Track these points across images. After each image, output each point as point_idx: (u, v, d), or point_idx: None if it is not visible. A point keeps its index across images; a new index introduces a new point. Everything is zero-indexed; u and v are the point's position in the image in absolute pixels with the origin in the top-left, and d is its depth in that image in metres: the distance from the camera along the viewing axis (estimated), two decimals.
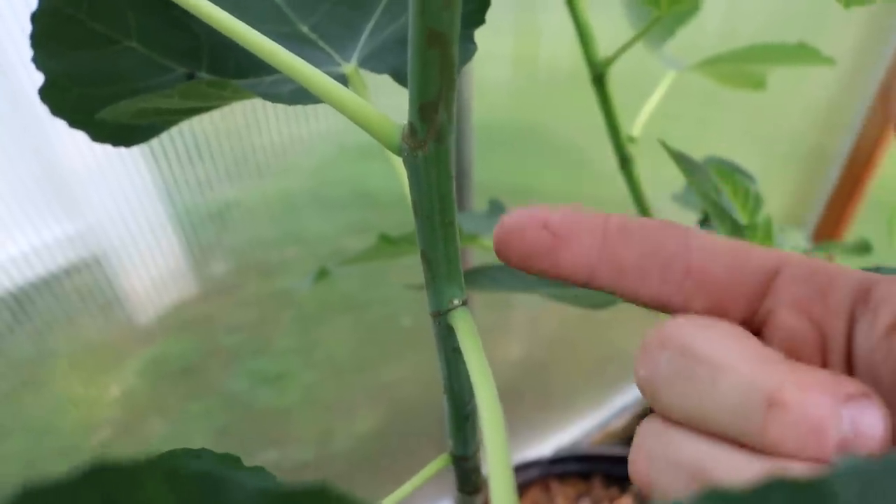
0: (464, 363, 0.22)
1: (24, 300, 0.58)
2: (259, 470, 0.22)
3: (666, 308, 0.18)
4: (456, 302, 0.21)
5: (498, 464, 0.17)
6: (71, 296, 0.61)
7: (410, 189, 0.18)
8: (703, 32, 0.84)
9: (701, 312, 0.18)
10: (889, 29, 1.04)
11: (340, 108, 0.19)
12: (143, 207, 0.60)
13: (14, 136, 0.51)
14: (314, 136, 0.65)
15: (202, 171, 0.60)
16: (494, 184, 0.81)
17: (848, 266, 0.17)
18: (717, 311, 0.18)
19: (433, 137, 0.17)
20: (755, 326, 0.18)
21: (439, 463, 0.27)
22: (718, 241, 0.18)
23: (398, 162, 0.25)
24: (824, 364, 0.17)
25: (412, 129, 0.17)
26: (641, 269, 0.18)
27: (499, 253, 0.19)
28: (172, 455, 0.19)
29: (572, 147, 0.86)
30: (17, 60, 0.48)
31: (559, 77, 0.77)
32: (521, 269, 0.19)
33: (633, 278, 0.18)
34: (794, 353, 0.17)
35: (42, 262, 0.57)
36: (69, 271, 0.59)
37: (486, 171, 0.76)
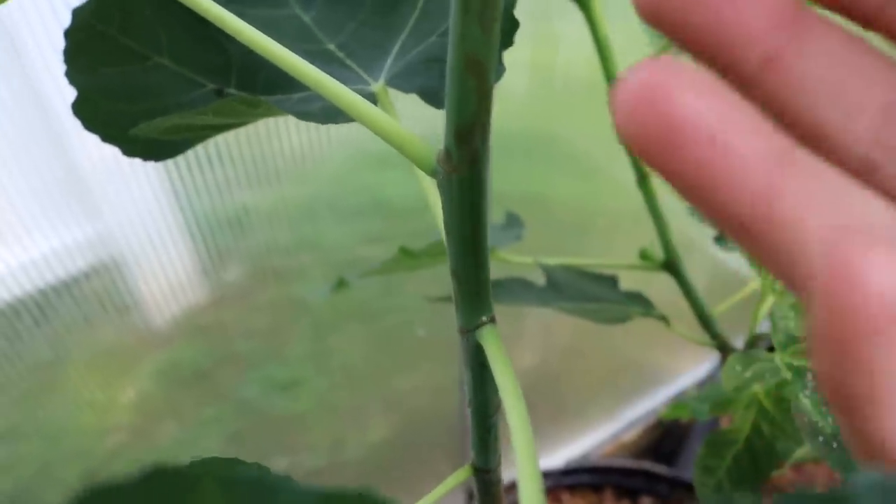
0: (490, 377, 0.23)
1: (42, 303, 0.58)
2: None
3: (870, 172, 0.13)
4: (484, 319, 0.22)
5: (528, 477, 0.17)
6: (89, 299, 0.61)
7: (443, 210, 0.19)
8: None
9: None
10: None
11: (374, 129, 0.20)
12: (161, 212, 0.61)
13: (35, 139, 0.52)
14: (333, 143, 0.65)
15: (221, 175, 0.61)
16: (509, 192, 0.81)
17: None
18: None
19: (468, 161, 0.17)
20: None
21: (461, 475, 0.28)
22: None
23: (424, 177, 0.25)
24: None
25: (448, 154, 0.17)
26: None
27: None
28: (206, 463, 0.19)
29: (588, 157, 0.86)
30: (40, 64, 0.48)
31: (576, 86, 0.77)
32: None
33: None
34: None
35: (62, 265, 0.58)
36: (87, 275, 0.60)
37: (500, 179, 0.76)
